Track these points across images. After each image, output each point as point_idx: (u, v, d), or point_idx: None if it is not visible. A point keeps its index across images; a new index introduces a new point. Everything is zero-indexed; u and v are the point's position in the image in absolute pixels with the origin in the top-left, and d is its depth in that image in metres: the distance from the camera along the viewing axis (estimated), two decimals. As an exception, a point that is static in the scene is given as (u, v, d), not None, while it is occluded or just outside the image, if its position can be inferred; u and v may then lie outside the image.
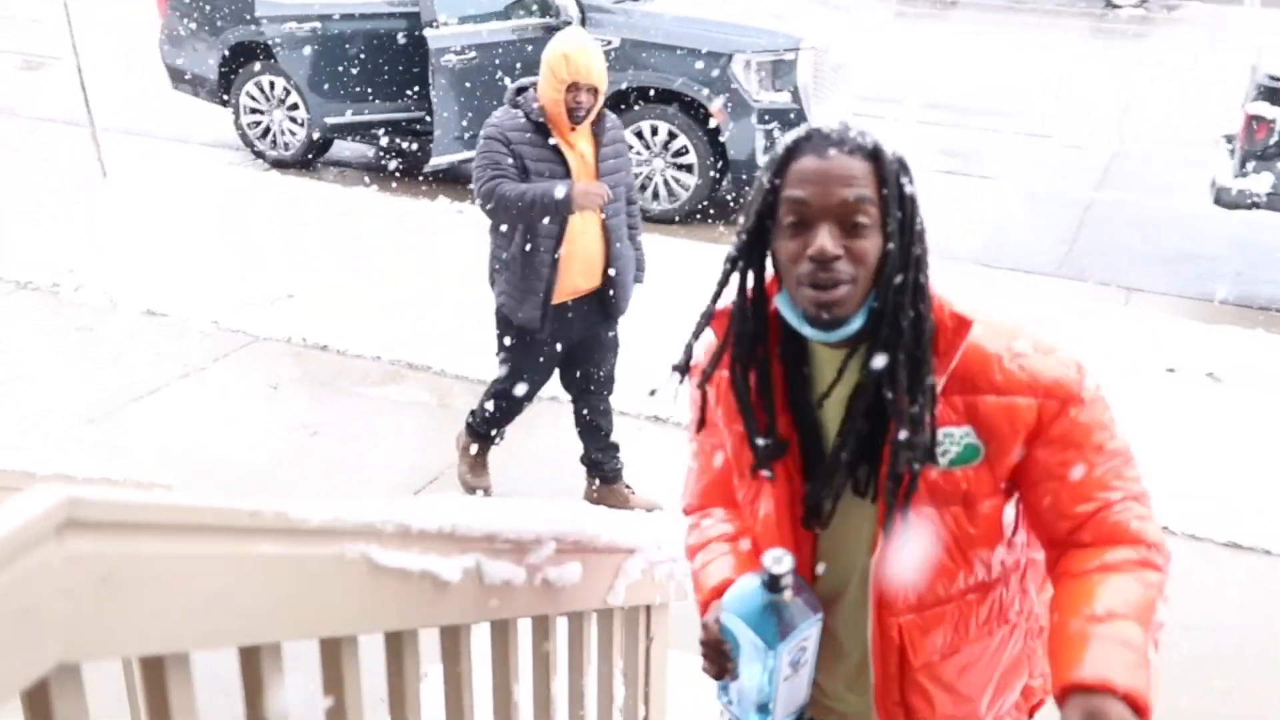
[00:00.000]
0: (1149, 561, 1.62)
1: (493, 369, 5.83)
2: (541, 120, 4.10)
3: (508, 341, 4.51)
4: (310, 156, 9.03)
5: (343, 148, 9.54)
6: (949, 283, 1.68)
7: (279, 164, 9.02)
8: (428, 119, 8.14)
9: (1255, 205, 6.68)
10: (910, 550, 1.67)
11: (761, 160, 7.73)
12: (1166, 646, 1.55)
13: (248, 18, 8.59)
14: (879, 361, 1.61)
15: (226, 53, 8.97)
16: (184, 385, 5.68)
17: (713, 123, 7.76)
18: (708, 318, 1.77)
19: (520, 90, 4.21)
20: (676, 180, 7.98)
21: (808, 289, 1.56)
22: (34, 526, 0.92)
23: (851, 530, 1.74)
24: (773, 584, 1.59)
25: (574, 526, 1.91)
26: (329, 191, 8.34)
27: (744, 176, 7.92)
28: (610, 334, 4.63)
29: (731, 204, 8.39)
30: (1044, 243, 7.87)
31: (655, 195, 8.04)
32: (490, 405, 4.67)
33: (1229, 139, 7.01)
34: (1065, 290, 7.01)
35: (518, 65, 7.82)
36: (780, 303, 1.65)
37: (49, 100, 10.21)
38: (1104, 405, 1.68)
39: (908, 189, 1.61)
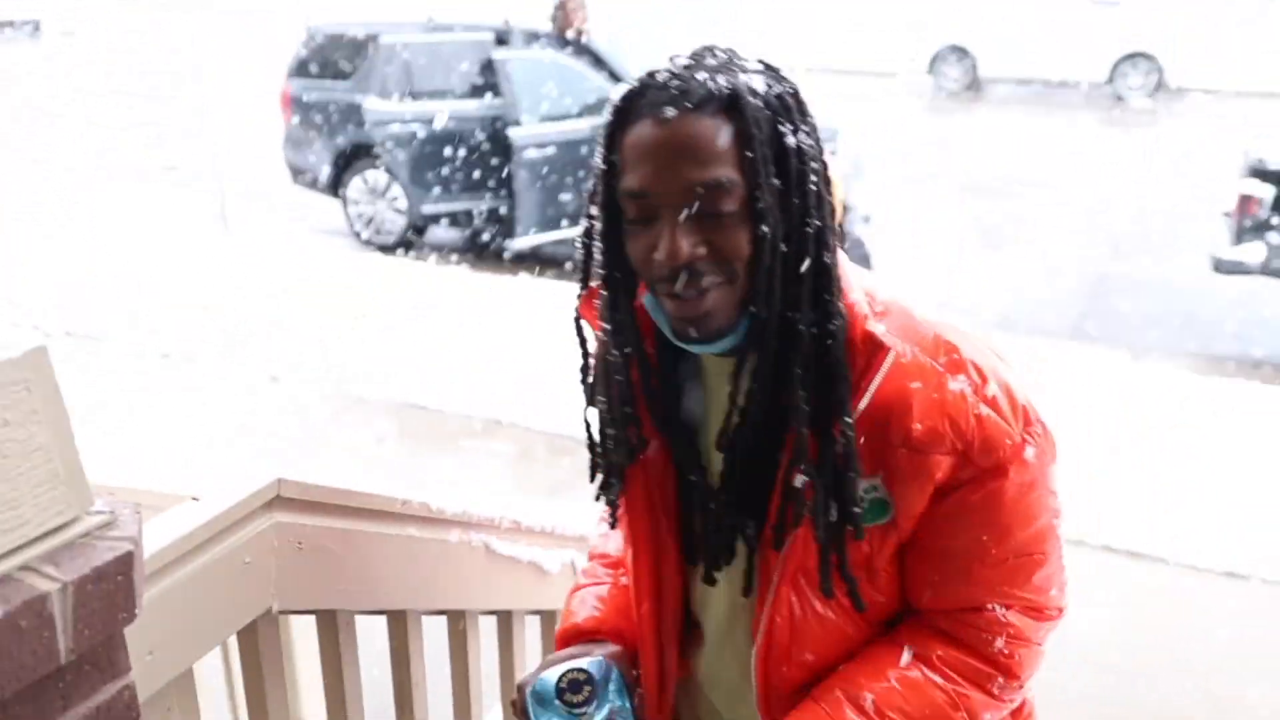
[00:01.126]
0: (987, 689, 1.19)
1: (570, 425, 6.05)
2: None
3: None
4: (409, 240, 9.36)
5: (437, 232, 9.87)
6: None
7: (382, 247, 9.36)
8: (511, 207, 8.43)
9: (1248, 272, 6.77)
10: (803, 635, 1.21)
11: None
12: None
13: (357, 121, 9.00)
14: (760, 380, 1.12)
15: (338, 152, 9.38)
16: (302, 441, 5.93)
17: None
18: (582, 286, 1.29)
19: None
20: (730, 257, 8.20)
21: (667, 299, 1.11)
22: (255, 499, 1.13)
23: (725, 600, 1.29)
24: (566, 704, 1.24)
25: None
26: (425, 271, 8.64)
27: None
28: None
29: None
30: (1061, 308, 7.96)
31: (711, 271, 8.27)
32: None
33: (1226, 214, 7.10)
34: (1076, 350, 7.09)
35: (588, 156, 8.13)
36: (647, 303, 1.17)
37: (192, 203, 10.68)
38: (1038, 487, 1.16)
39: (790, 140, 1.08)
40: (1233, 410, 6.01)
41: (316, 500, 1.23)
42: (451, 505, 1.47)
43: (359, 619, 1.45)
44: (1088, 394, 6.05)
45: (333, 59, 9.39)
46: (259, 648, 1.23)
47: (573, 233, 8.31)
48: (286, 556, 1.19)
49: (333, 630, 1.36)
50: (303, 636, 1.68)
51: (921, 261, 9.02)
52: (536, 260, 9.08)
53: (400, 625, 1.49)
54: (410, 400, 6.35)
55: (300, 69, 9.54)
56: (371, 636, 1.54)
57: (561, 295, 7.89)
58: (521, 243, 8.26)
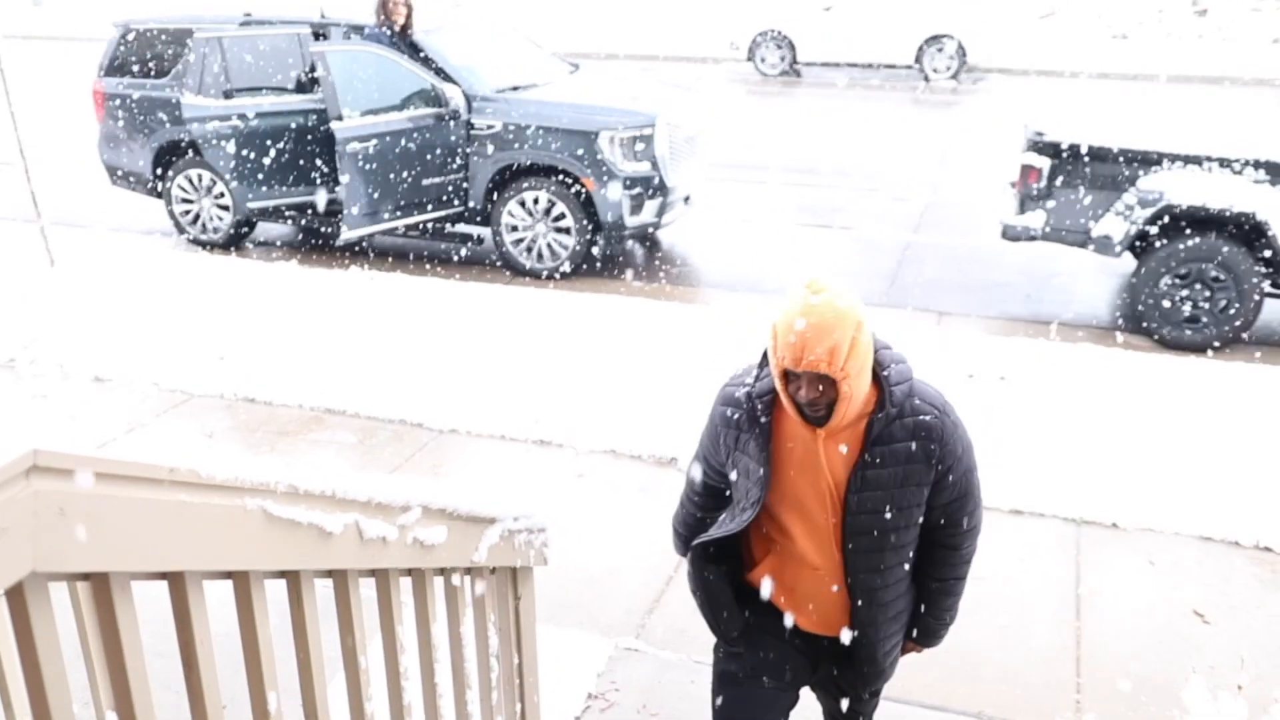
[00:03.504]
0: None
1: (407, 410, 6.08)
2: (761, 401, 2.39)
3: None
4: (236, 238, 9.18)
5: (266, 228, 9.70)
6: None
7: (209, 246, 9.15)
8: (338, 200, 8.36)
9: (1033, 238, 7.20)
10: None
11: (629, 220, 8.10)
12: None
13: (176, 119, 8.77)
14: None
15: (158, 150, 9.12)
16: (129, 439, 5.81)
17: (585, 191, 8.11)
18: None
19: None
20: (558, 242, 8.29)
21: None
22: (10, 468, 1.18)
23: None
24: None
25: (437, 496, 2.17)
26: (254, 267, 8.50)
27: (614, 235, 8.27)
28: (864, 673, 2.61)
29: (604, 259, 8.73)
30: (871, 278, 8.33)
31: (540, 256, 8.36)
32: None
33: (1012, 184, 7.53)
34: (887, 316, 7.44)
35: (412, 148, 8.12)
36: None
37: (3, 210, 10.24)
38: None
39: None
40: (1021, 364, 6.42)
41: (78, 469, 1.28)
42: (221, 471, 1.54)
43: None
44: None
45: (147, 56, 9.13)
46: (28, 611, 1.28)
47: (400, 223, 8.33)
48: (47, 522, 1.24)
49: (106, 594, 1.41)
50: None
51: (742, 239, 9.30)
52: (366, 252, 9.04)
53: (179, 587, 1.55)
54: (241, 394, 6.27)
55: (113, 66, 9.24)
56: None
57: (391, 286, 7.88)
58: (350, 235, 8.20)
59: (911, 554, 2.46)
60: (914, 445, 2.31)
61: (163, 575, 1.53)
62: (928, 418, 2.33)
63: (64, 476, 1.26)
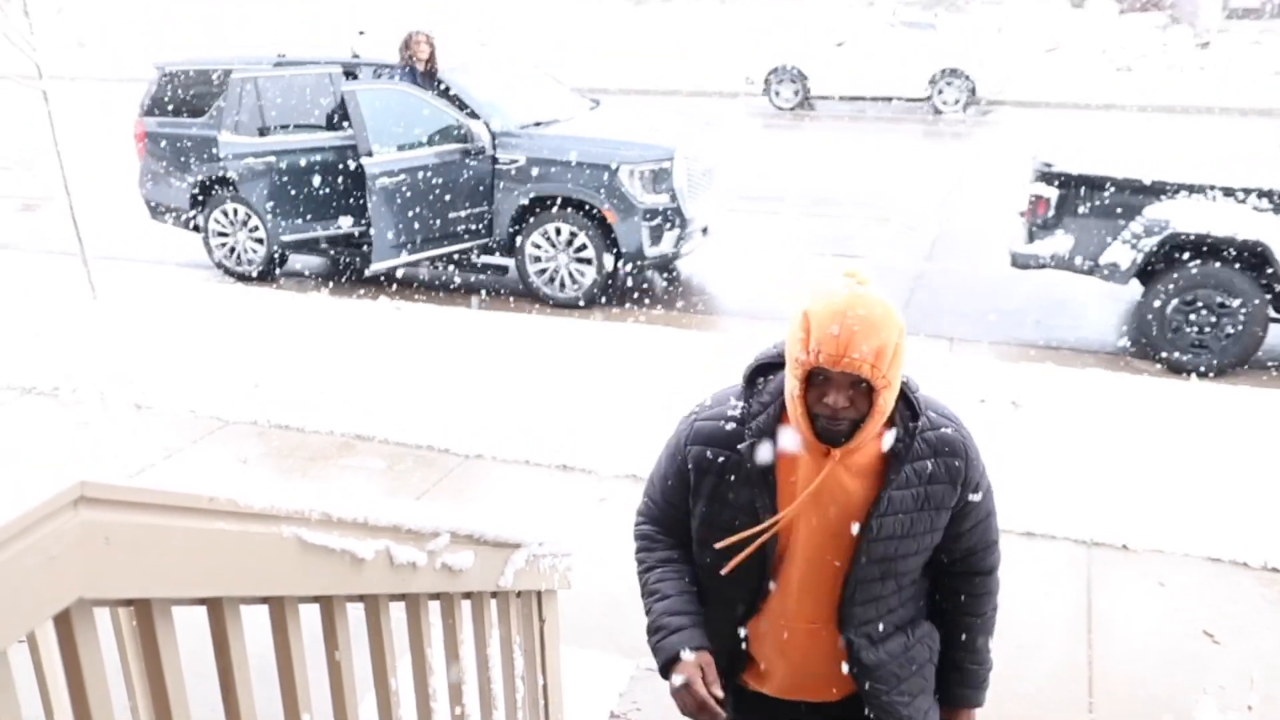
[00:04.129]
0: None
1: (433, 436, 6.10)
2: (763, 433, 1.98)
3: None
4: (270, 270, 9.25)
5: (298, 260, 9.77)
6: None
7: (244, 278, 9.23)
8: (367, 233, 8.42)
9: (1042, 266, 7.19)
10: None
11: (649, 250, 8.12)
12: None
13: (213, 155, 8.87)
14: None
15: (196, 186, 9.22)
16: (167, 465, 5.85)
17: (606, 222, 8.15)
18: None
19: (762, 370, 2.05)
20: (579, 271, 8.33)
21: None
22: (59, 499, 1.20)
23: None
24: None
25: (465, 522, 2.19)
26: (287, 298, 8.56)
27: (634, 265, 8.29)
28: None
29: (625, 289, 8.76)
30: (884, 306, 8.29)
31: (562, 285, 8.39)
32: None
33: (1021, 214, 7.52)
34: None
35: (439, 182, 8.18)
36: None
37: (45, 235, 10.37)
38: None
39: None
40: (1032, 389, 6.39)
41: (123, 499, 1.30)
42: (259, 500, 1.56)
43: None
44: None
45: (186, 95, 9.25)
46: (74, 636, 1.30)
47: (427, 255, 8.39)
48: (93, 551, 1.26)
49: (148, 619, 1.43)
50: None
51: (758, 269, 9.31)
52: (394, 283, 9.09)
53: (218, 613, 1.57)
54: (274, 421, 6.30)
55: (154, 106, 9.37)
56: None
57: (418, 316, 7.93)
58: (379, 266, 8.27)
59: (911, 586, 2.07)
60: (935, 463, 1.96)
61: (202, 601, 1.55)
62: (948, 430, 1.99)
63: (110, 507, 1.28)
